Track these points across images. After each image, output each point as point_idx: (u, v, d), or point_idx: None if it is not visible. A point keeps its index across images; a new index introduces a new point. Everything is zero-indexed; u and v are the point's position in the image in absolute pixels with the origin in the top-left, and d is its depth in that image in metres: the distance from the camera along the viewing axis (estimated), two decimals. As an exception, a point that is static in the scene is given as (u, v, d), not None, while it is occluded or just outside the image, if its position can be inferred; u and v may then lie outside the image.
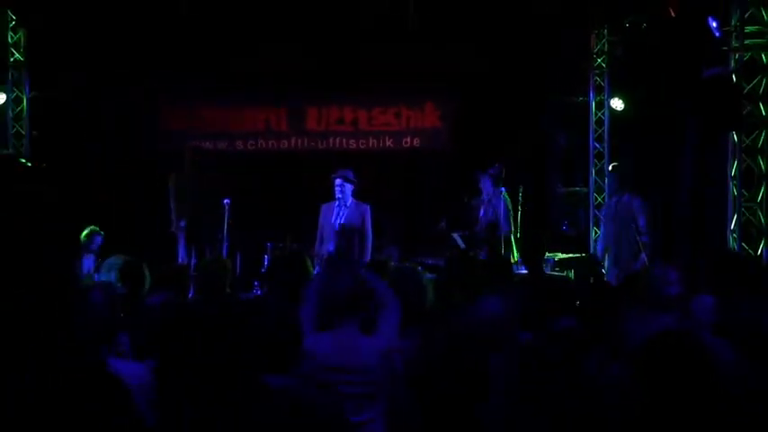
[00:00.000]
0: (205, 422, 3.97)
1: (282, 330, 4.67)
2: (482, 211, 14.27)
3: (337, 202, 13.37)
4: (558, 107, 17.58)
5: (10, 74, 16.14)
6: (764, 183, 12.58)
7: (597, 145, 17.14)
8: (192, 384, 3.97)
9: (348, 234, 13.32)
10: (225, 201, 14.33)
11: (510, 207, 14.22)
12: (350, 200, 13.31)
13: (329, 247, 13.12)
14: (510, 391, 5.22)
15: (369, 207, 13.57)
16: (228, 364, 4.12)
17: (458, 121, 18.04)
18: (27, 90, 16.44)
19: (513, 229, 14.10)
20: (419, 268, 8.59)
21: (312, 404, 4.51)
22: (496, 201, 14.12)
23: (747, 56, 12.51)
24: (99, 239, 12.71)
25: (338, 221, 13.83)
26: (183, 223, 14.33)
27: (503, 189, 14.84)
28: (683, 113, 14.69)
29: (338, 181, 13.64)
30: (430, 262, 13.08)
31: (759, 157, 12.52)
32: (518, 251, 13.13)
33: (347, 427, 4.39)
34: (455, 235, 14.11)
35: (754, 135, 12.56)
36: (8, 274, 1.83)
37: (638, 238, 13.79)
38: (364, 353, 5.56)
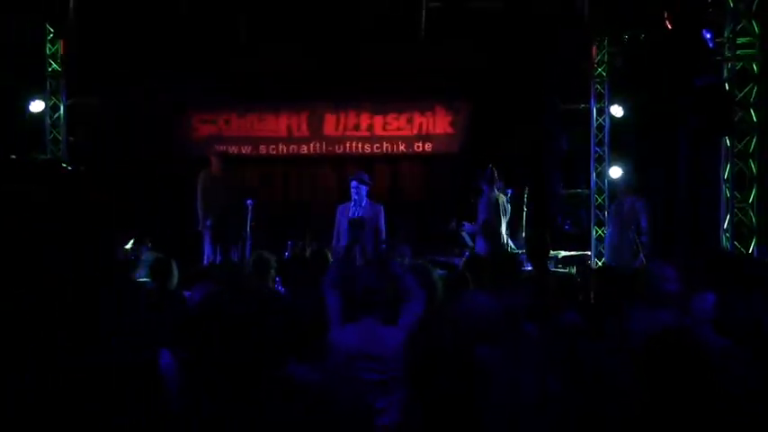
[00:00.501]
0: (233, 410, 3.95)
1: (306, 324, 4.83)
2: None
3: (353, 203, 13.37)
4: (561, 114, 17.61)
5: (48, 83, 16.15)
6: (755, 185, 12.53)
7: (598, 149, 17.12)
8: (221, 374, 3.96)
9: (359, 226, 13.35)
10: (248, 202, 14.39)
11: (503, 206, 14.22)
12: (365, 201, 13.31)
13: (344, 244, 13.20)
14: (506, 383, 5.14)
15: (382, 207, 13.58)
16: (256, 355, 4.13)
17: (467, 127, 18.07)
18: (64, 98, 16.42)
19: (497, 225, 14.13)
20: (430, 265, 8.62)
21: (334, 395, 4.76)
22: (484, 200, 14.17)
23: (739, 65, 12.47)
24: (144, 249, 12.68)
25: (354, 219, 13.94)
26: (209, 222, 14.40)
27: (507, 190, 14.91)
28: (679, 120, 14.71)
29: (354, 183, 13.65)
30: (441, 259, 13.10)
31: (750, 161, 12.47)
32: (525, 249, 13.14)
33: (368, 414, 4.51)
34: (463, 232, 14.16)
35: (745, 140, 12.49)
36: (7, 275, 1.81)
37: (637, 238, 13.79)
38: (386, 343, 5.56)
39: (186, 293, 9.16)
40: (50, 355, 1.90)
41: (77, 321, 1.96)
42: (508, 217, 14.32)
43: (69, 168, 2.17)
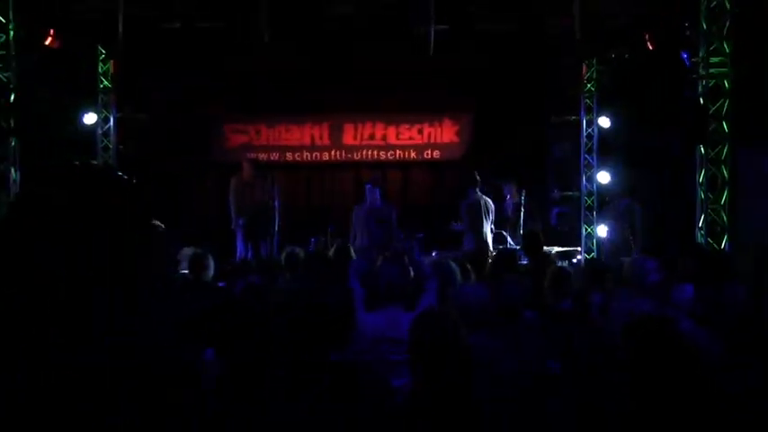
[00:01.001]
0: (281, 394, 3.98)
1: (340, 313, 4.62)
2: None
3: (368, 204, 13.53)
4: (554, 125, 17.63)
5: (99, 98, 16.27)
6: (727, 188, 12.57)
7: (587, 156, 17.13)
8: (265, 359, 4.05)
9: (381, 220, 13.53)
10: (276, 203, 14.50)
11: (485, 208, 14.31)
12: (378, 201, 13.47)
13: (360, 241, 13.31)
14: (507, 366, 5.24)
15: (394, 207, 13.74)
16: (301, 341, 4.19)
17: (471, 137, 18.17)
18: (114, 111, 16.53)
19: (480, 226, 14.20)
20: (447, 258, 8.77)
21: (362, 375, 4.50)
22: (465, 202, 14.35)
23: (712, 82, 12.45)
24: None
25: (371, 217, 14.04)
26: (241, 222, 14.51)
27: (506, 193, 15.07)
28: (660, 130, 14.79)
29: (368, 186, 13.83)
30: (446, 255, 13.21)
31: (722, 167, 12.50)
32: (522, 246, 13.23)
33: (390, 391, 4.38)
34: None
35: (717, 148, 12.52)
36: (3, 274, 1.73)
37: (630, 237, 13.93)
38: (407, 327, 5.38)
39: (221, 284, 9.32)
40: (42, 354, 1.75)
41: (138, 309, 1.90)
42: (492, 217, 14.41)
43: (121, 174, 2.04)
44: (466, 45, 15.30)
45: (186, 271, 9.90)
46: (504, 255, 9.39)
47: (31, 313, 1.69)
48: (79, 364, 1.73)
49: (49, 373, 1.72)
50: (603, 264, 9.84)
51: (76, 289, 1.70)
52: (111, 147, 16.53)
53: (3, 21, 12.41)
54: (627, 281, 7.45)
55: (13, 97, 12.58)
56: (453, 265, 7.79)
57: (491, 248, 13.73)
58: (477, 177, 14.69)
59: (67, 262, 1.68)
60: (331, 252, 10.03)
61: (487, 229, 14.38)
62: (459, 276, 7.47)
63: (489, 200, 14.43)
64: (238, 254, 14.40)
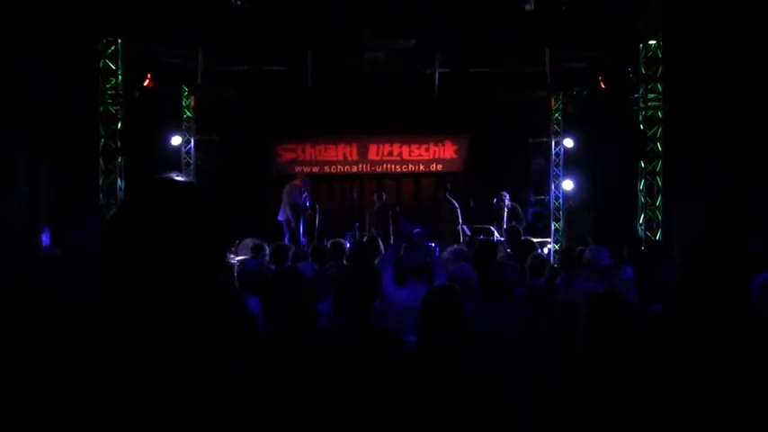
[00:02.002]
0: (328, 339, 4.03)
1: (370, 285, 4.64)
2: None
3: (376, 208, 14.13)
4: (531, 145, 17.62)
5: (183, 125, 16.42)
6: (661, 194, 12.67)
7: (555, 169, 17.14)
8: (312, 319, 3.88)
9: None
10: (317, 205, 14.78)
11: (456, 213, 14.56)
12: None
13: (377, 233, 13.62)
14: (496, 331, 5.07)
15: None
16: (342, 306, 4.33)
17: (467, 154, 18.29)
18: (194, 135, 16.68)
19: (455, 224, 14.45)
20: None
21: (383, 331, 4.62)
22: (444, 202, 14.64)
23: (649, 113, 12.55)
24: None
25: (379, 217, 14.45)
26: (292, 219, 14.69)
27: (500, 197, 15.22)
28: (611, 149, 14.94)
29: (376, 195, 14.25)
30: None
31: (657, 177, 12.58)
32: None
33: (406, 345, 4.39)
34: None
35: (654, 163, 12.61)
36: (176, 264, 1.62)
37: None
38: None
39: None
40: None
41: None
42: (461, 218, 14.59)
43: (199, 186, 1.86)
44: (463, 84, 15.40)
45: (249, 257, 9.83)
46: (485, 245, 9.41)
47: (142, 295, 1.58)
48: (193, 335, 1.64)
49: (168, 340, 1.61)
50: (568, 253, 9.87)
51: (177, 273, 1.60)
52: (191, 162, 16.59)
53: (113, 67, 12.59)
54: (585, 265, 7.42)
55: (120, 125, 12.84)
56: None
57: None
58: (448, 186, 15.04)
59: (166, 253, 1.58)
60: (363, 243, 9.95)
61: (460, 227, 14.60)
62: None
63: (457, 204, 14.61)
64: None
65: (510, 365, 4.51)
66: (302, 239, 14.41)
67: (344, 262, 8.44)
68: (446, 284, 4.76)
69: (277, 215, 15.15)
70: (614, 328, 3.25)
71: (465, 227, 14.73)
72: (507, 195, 15.44)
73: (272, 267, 7.45)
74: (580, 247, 9.99)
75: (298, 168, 17.75)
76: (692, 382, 3.71)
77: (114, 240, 1.62)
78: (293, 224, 14.68)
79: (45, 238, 11.19)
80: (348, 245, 9.61)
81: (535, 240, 13.45)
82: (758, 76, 11.13)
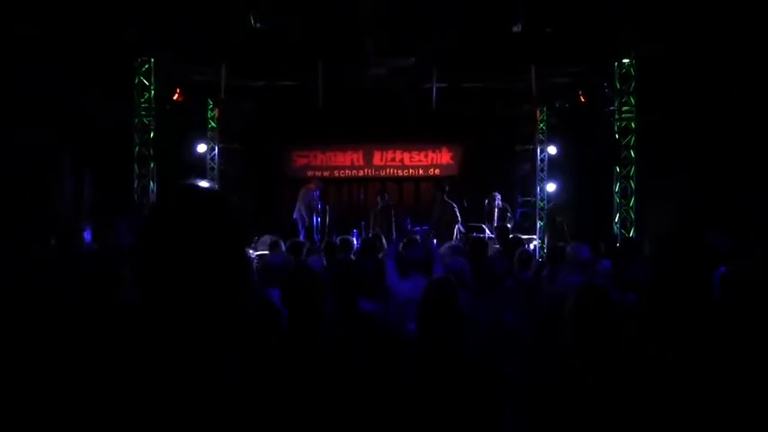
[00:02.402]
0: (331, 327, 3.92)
1: (374, 277, 4.79)
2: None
3: (379, 208, 14.19)
4: (519, 152, 17.71)
5: (208, 134, 16.43)
6: (634, 196, 12.75)
7: (540, 173, 17.11)
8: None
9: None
10: (327, 206, 14.87)
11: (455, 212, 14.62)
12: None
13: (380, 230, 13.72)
14: (490, 319, 5.09)
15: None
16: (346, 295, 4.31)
17: (461, 160, 18.36)
18: (218, 143, 16.66)
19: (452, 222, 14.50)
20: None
21: (386, 320, 4.74)
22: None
23: (623, 124, 12.68)
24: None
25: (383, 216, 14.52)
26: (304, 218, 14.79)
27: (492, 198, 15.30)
28: (589, 156, 15.02)
29: (379, 197, 14.32)
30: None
31: (631, 181, 12.70)
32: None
33: (407, 340, 4.34)
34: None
35: (628, 168, 12.72)
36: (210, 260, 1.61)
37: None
38: None
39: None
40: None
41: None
42: (459, 217, 14.65)
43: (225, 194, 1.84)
44: (457, 98, 15.31)
45: (267, 251, 9.93)
46: (478, 242, 9.36)
47: (177, 282, 1.57)
48: (228, 320, 1.64)
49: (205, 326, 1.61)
50: (553, 249, 9.80)
51: (202, 268, 1.60)
52: (215, 168, 16.59)
53: (147, 83, 12.70)
54: (568, 260, 7.30)
55: (152, 134, 12.94)
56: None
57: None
58: (447, 189, 15.09)
59: (192, 251, 1.58)
60: (369, 240, 10.04)
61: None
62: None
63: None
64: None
65: (500, 349, 4.49)
66: (315, 236, 14.40)
67: (352, 257, 8.41)
68: (444, 277, 4.74)
69: (292, 214, 15.16)
70: (596, 316, 3.27)
71: (461, 225, 14.71)
72: (499, 196, 15.48)
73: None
74: (562, 244, 10.05)
75: (310, 173, 17.90)
76: (663, 364, 3.60)
77: (146, 239, 1.64)
78: (306, 222, 14.70)
79: (87, 235, 11.28)
80: (356, 241, 9.68)
81: (523, 237, 13.57)
82: (719, 89, 11.21)
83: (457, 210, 14.75)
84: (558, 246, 9.58)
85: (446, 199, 14.98)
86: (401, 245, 8.07)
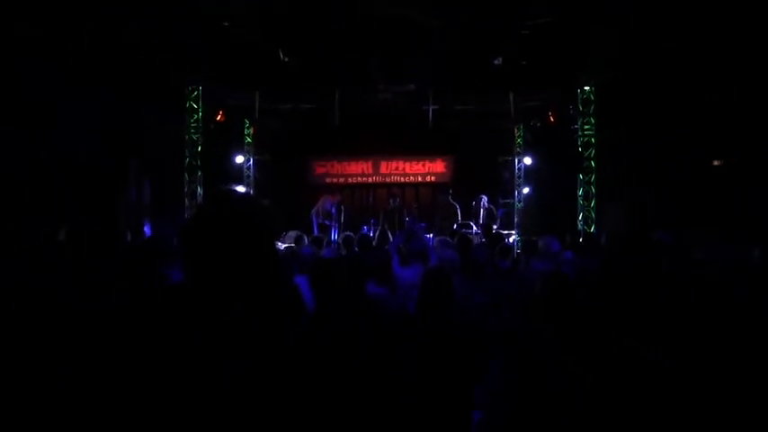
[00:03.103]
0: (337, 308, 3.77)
1: (384, 264, 4.82)
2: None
3: (390, 209, 14.19)
4: (500, 162, 17.66)
5: (245, 147, 16.39)
6: (594, 198, 12.86)
7: (518, 179, 17.13)
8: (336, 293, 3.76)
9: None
10: (342, 206, 14.94)
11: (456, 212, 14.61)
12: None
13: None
14: (473, 297, 5.04)
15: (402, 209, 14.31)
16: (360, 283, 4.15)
17: (453, 169, 18.38)
18: (253, 155, 16.65)
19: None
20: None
21: (390, 301, 4.71)
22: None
23: (586, 139, 12.82)
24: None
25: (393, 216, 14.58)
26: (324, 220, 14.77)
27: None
28: (558, 165, 15.12)
29: (390, 200, 14.31)
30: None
31: (591, 186, 12.82)
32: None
33: (409, 317, 4.25)
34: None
35: (589, 176, 12.86)
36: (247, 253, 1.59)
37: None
38: None
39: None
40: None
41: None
42: (459, 216, 14.65)
43: (257, 199, 1.83)
44: (450, 117, 15.48)
45: (294, 244, 10.26)
46: (464, 236, 9.41)
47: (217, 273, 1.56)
48: (261, 306, 1.62)
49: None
50: (527, 242, 9.79)
51: (238, 258, 1.58)
52: (250, 175, 16.58)
53: (195, 107, 12.94)
54: (540, 251, 7.34)
55: (200, 148, 13.13)
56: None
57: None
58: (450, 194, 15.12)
59: (229, 244, 1.57)
60: (377, 235, 10.18)
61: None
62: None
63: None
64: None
65: (483, 322, 4.49)
66: (333, 233, 14.33)
67: (356, 249, 8.36)
68: (438, 266, 4.71)
69: (312, 213, 15.20)
70: (560, 295, 3.35)
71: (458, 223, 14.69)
72: (485, 198, 15.45)
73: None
74: (535, 238, 10.15)
75: (328, 180, 17.89)
76: (612, 331, 3.63)
77: (193, 233, 1.63)
78: (320, 220, 14.48)
79: (147, 230, 11.47)
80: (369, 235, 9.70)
81: (504, 232, 13.62)
82: (667, 110, 11.27)
83: (459, 211, 14.79)
84: (531, 239, 9.70)
85: (450, 201, 15.04)
86: (404, 239, 8.13)
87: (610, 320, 3.90)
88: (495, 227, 13.78)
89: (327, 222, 14.27)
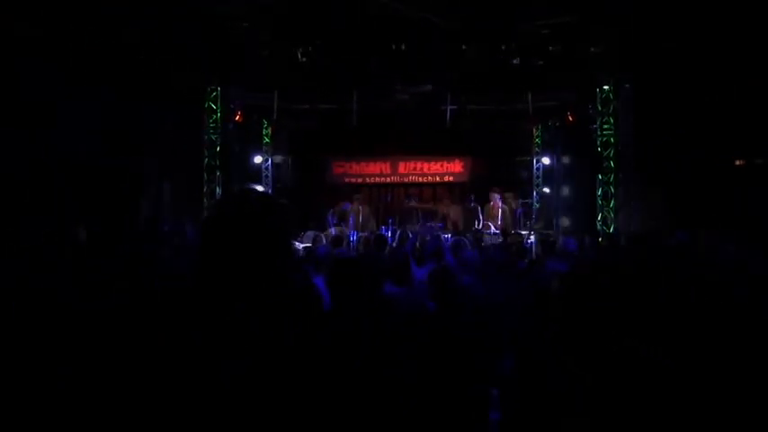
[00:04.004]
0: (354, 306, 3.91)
1: (402, 264, 4.83)
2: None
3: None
4: (518, 162, 17.73)
5: (263, 148, 16.53)
6: (613, 199, 12.73)
7: (536, 180, 17.16)
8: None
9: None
10: (360, 206, 14.99)
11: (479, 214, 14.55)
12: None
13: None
14: (484, 295, 5.07)
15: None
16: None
17: (470, 169, 18.36)
18: (271, 155, 16.79)
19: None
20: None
21: (406, 299, 4.64)
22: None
23: (605, 138, 12.69)
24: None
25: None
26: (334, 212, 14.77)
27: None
28: (576, 165, 15.07)
29: (406, 200, 14.29)
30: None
31: (611, 186, 12.68)
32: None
33: (427, 313, 4.30)
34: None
35: (608, 176, 12.72)
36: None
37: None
38: None
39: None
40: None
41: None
42: (481, 218, 14.43)
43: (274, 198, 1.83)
44: (467, 118, 15.42)
45: (311, 244, 10.25)
46: (478, 233, 9.34)
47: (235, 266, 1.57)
48: (280, 300, 1.62)
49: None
50: (545, 242, 9.79)
51: (254, 256, 1.59)
52: (269, 175, 16.71)
53: (214, 107, 13.02)
54: (558, 251, 7.50)
55: (218, 148, 13.20)
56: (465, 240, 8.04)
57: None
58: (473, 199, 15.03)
59: (246, 242, 1.58)
60: (397, 236, 10.19)
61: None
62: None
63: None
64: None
65: (501, 319, 4.52)
66: (352, 234, 14.44)
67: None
68: (442, 266, 4.72)
69: (328, 214, 15.21)
70: (576, 295, 3.41)
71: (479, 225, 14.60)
72: (497, 197, 15.31)
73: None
74: (552, 238, 10.10)
75: (347, 179, 17.92)
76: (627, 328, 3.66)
77: (210, 230, 1.66)
78: (336, 222, 14.47)
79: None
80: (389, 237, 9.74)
81: (522, 233, 13.56)
82: (689, 111, 11.18)
83: (480, 213, 14.72)
84: (549, 239, 9.67)
85: (471, 205, 15.00)
86: (419, 239, 8.12)
87: (614, 320, 3.84)
88: (513, 228, 13.75)
89: (342, 224, 14.26)
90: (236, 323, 1.58)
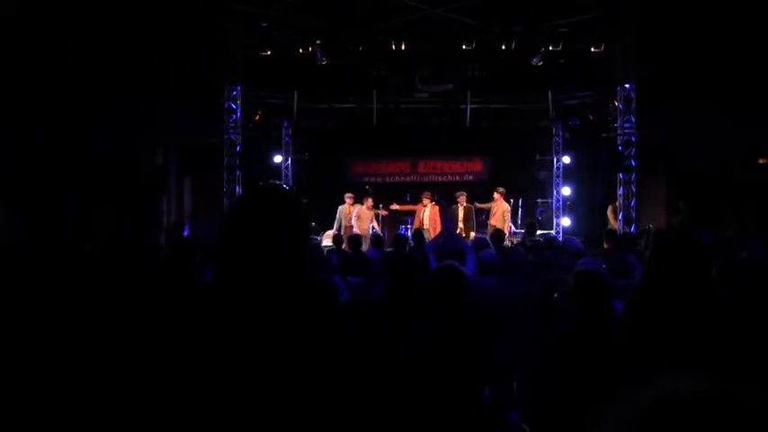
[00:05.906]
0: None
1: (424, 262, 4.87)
2: None
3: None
4: (537, 161, 17.65)
5: (283, 147, 16.55)
6: (634, 198, 12.70)
7: (557, 179, 17.00)
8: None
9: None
10: (380, 205, 14.99)
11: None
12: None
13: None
14: (500, 295, 5.10)
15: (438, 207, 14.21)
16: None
17: (490, 168, 18.30)
18: (291, 154, 16.84)
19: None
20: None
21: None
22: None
23: (626, 138, 12.60)
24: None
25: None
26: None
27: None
28: (598, 164, 14.99)
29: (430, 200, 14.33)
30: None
31: (632, 186, 12.66)
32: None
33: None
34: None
35: (629, 175, 12.68)
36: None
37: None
38: None
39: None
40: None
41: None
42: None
43: (293, 191, 1.97)
44: (487, 116, 15.49)
45: (331, 243, 10.12)
46: (497, 234, 9.35)
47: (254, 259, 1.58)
48: (296, 295, 1.62)
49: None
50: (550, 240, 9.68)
51: (273, 249, 1.60)
52: (289, 175, 16.73)
53: (234, 107, 13.11)
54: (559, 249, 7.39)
55: (239, 148, 13.31)
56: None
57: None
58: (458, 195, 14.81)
59: (266, 235, 1.59)
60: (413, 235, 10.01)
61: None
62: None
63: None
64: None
65: (516, 317, 4.70)
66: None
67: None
68: (446, 264, 4.60)
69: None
70: (599, 289, 3.43)
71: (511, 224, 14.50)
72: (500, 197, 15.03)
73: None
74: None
75: (366, 179, 17.92)
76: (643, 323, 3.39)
77: (231, 226, 1.68)
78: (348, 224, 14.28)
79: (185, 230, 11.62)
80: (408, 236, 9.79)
81: (542, 232, 13.51)
82: (712, 109, 11.12)
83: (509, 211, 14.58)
84: (552, 238, 9.63)
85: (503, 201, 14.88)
86: (440, 239, 8.15)
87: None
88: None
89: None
90: (256, 316, 1.58)
